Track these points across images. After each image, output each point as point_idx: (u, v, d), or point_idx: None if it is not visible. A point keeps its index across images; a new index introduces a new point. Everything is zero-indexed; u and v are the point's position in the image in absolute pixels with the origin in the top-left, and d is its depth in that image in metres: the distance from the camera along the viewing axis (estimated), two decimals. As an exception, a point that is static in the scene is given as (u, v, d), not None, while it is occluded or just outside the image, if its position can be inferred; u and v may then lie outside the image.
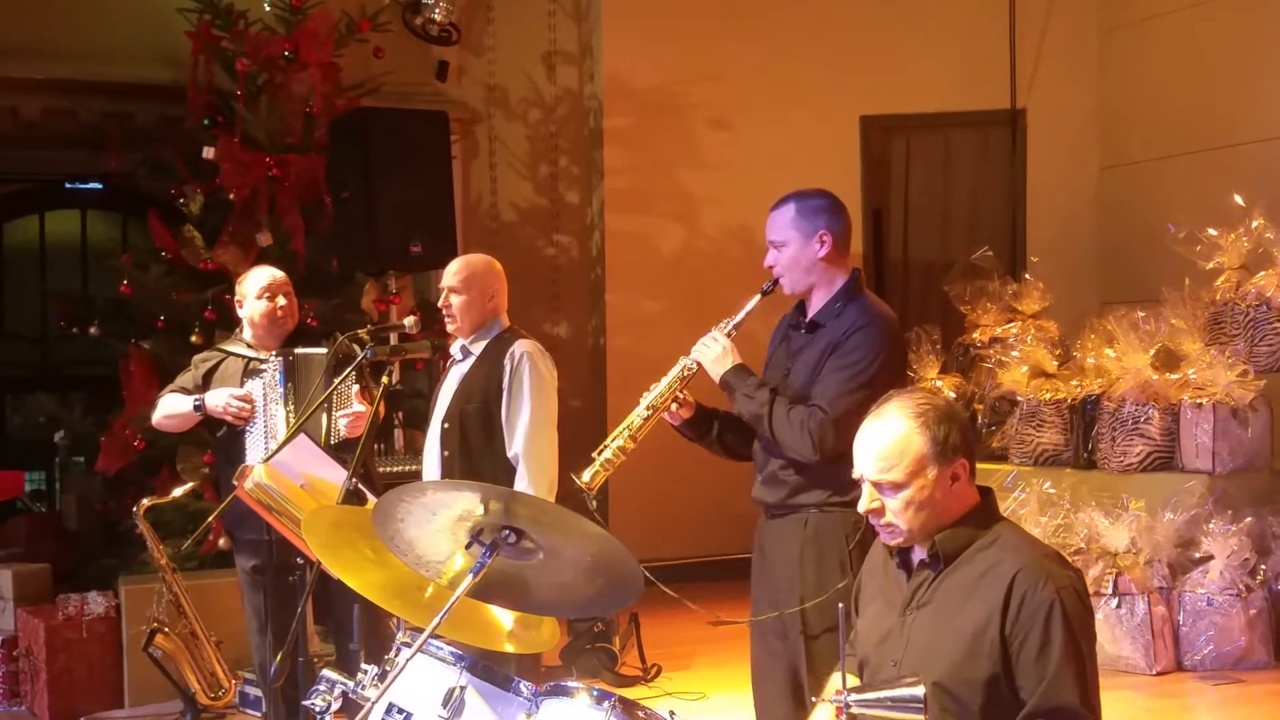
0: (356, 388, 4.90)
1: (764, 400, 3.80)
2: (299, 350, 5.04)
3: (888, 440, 2.76)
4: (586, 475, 3.86)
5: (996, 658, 2.67)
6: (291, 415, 4.87)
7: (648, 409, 3.88)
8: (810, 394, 3.77)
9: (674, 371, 3.93)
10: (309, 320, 6.65)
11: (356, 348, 4.75)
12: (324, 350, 4.96)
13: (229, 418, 4.99)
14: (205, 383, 5.16)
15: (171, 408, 5.15)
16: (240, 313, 5.24)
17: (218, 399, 5.00)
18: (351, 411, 4.86)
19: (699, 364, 3.92)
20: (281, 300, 5.13)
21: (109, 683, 6.28)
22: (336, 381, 4.49)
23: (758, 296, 3.95)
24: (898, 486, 2.76)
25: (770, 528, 3.96)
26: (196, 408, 5.06)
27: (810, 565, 3.80)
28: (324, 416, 4.82)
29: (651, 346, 9.11)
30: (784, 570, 3.87)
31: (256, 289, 5.14)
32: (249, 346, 5.17)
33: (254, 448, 4.94)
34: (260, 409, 4.96)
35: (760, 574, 4.02)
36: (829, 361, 3.77)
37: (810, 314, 3.92)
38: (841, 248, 3.90)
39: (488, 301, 4.73)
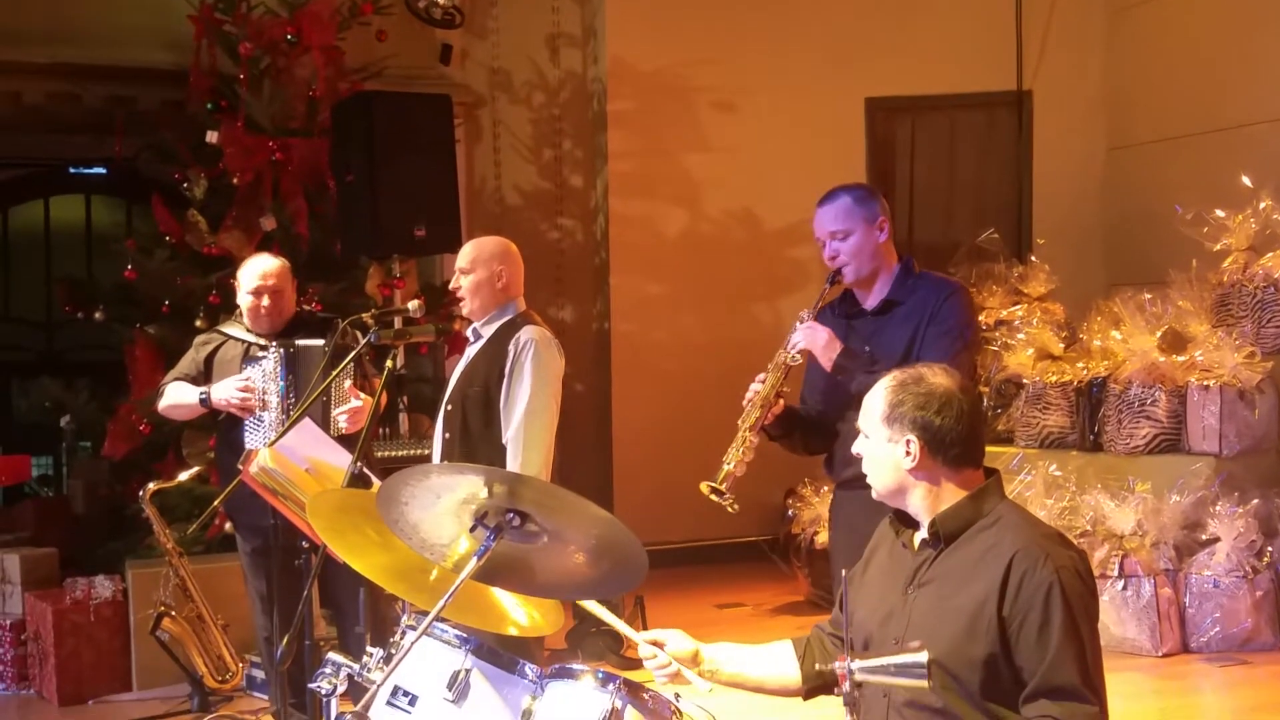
0: (349, 383, 4.89)
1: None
2: (299, 342, 5.02)
3: (870, 394, 2.92)
4: (719, 478, 3.89)
5: (995, 638, 2.68)
6: (291, 407, 4.87)
7: (760, 406, 3.96)
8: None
9: (776, 363, 4.01)
10: (314, 304, 6.66)
11: (359, 334, 4.75)
12: (322, 342, 4.96)
13: (235, 410, 4.99)
14: (206, 367, 5.18)
15: (177, 398, 5.15)
16: (237, 300, 5.26)
17: (222, 392, 5.00)
18: (349, 408, 4.85)
19: (807, 353, 4.00)
20: (267, 301, 5.10)
21: (117, 666, 6.29)
22: (335, 373, 4.49)
23: (827, 286, 4.11)
24: (865, 436, 2.90)
25: (857, 500, 3.84)
26: (202, 401, 5.06)
27: None
28: (322, 410, 4.83)
29: (656, 330, 9.13)
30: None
31: (247, 285, 5.14)
32: (248, 330, 5.18)
33: (252, 436, 4.95)
34: (269, 404, 4.97)
35: (847, 548, 3.92)
36: (928, 330, 3.90)
37: (879, 295, 4.04)
38: (892, 233, 4.07)
39: (496, 283, 4.68)
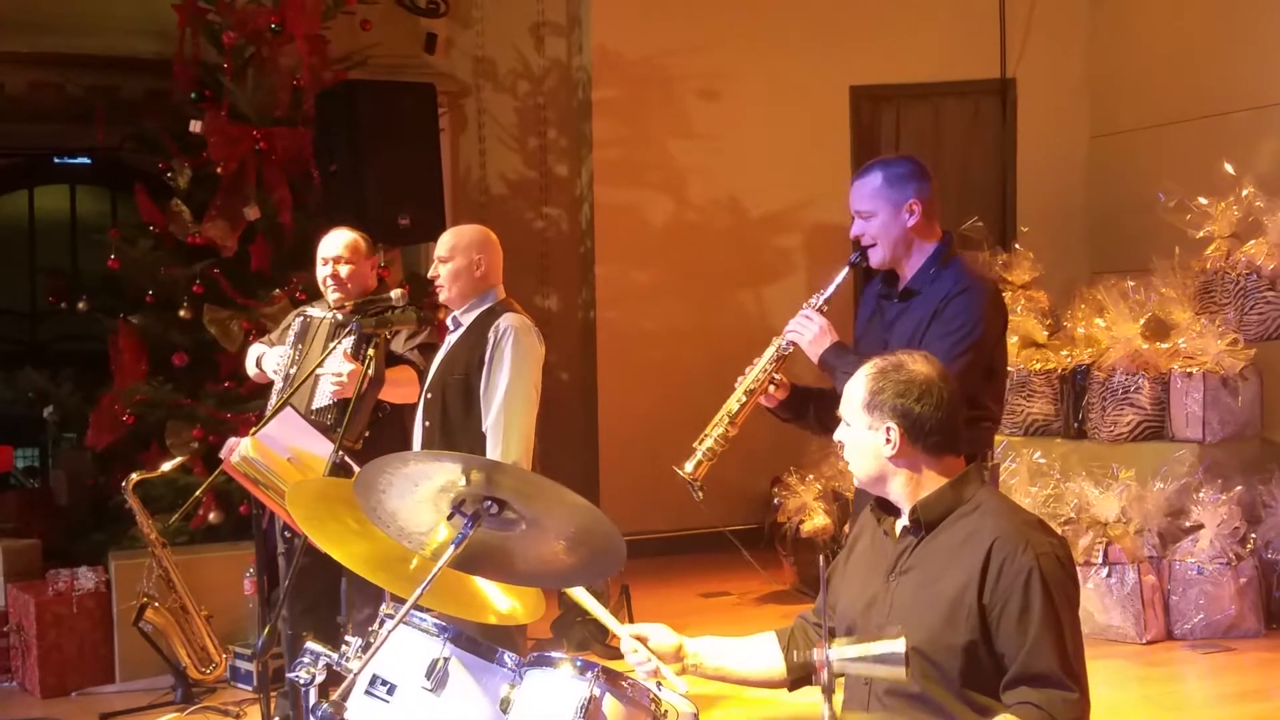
0: (343, 349, 4.87)
1: None
2: (311, 312, 5.11)
3: (850, 382, 2.92)
4: (689, 466, 3.79)
5: (975, 624, 2.68)
6: (292, 380, 4.93)
7: (745, 394, 3.81)
8: None
9: (768, 353, 3.86)
10: (297, 294, 6.66)
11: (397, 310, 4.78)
12: (329, 315, 5.00)
13: (272, 376, 5.14)
14: (279, 341, 5.32)
15: (249, 361, 5.42)
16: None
17: (269, 361, 5.18)
18: (334, 372, 4.80)
19: (795, 344, 3.84)
20: (343, 269, 5.14)
21: (100, 658, 6.27)
22: (325, 353, 4.48)
23: (845, 269, 3.90)
24: (847, 424, 2.91)
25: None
26: (257, 363, 5.28)
27: None
28: (314, 383, 4.87)
29: (641, 319, 9.12)
30: None
31: (321, 256, 5.20)
32: (327, 307, 5.22)
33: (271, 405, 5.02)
34: (280, 374, 5.06)
35: None
36: (931, 329, 3.73)
37: (903, 282, 3.88)
38: (930, 214, 3.86)
39: (475, 271, 4.66)
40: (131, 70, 8.12)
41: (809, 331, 3.84)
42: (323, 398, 4.87)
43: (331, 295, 5.16)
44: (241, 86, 7.20)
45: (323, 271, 5.17)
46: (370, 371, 4.15)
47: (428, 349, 5.03)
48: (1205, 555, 6.44)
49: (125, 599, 6.12)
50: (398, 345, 5.04)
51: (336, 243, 5.20)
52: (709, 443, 3.81)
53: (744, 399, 3.82)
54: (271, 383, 5.22)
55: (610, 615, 3.31)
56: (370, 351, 4.12)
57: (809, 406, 3.98)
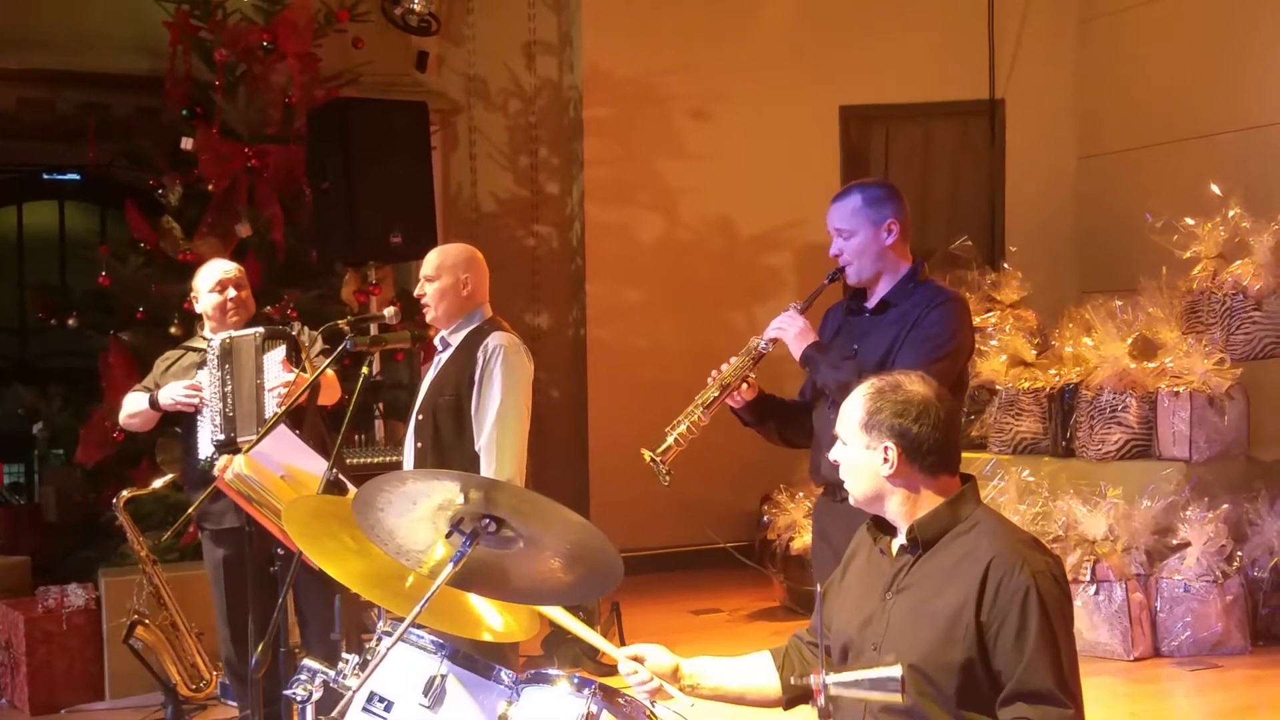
0: (282, 356, 4.92)
1: (851, 370, 3.82)
2: (233, 334, 5.05)
3: (847, 402, 2.92)
4: (660, 448, 3.89)
5: (972, 642, 2.70)
6: (230, 396, 4.90)
7: (720, 387, 3.95)
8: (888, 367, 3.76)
9: (746, 350, 3.99)
10: (289, 311, 6.65)
11: (295, 325, 4.81)
12: (254, 331, 4.99)
13: (180, 407, 5.04)
14: (162, 379, 5.23)
15: (132, 406, 5.24)
16: (196, 308, 5.30)
17: (169, 393, 5.07)
18: (281, 381, 4.86)
19: (775, 340, 3.99)
20: (232, 292, 5.15)
21: (89, 675, 6.26)
22: (314, 375, 4.50)
23: (825, 282, 4.05)
24: (843, 443, 2.90)
25: (839, 510, 3.87)
26: (152, 404, 5.13)
27: None
28: (257, 393, 4.88)
29: (632, 337, 9.15)
30: None
31: (209, 283, 5.18)
32: (206, 340, 5.20)
33: (205, 436, 5.00)
34: (209, 397, 4.99)
35: (827, 559, 3.87)
36: (910, 335, 3.86)
37: (879, 296, 4.01)
38: (906, 235, 4.01)
39: (462, 290, 4.66)
40: (123, 87, 8.12)
41: (793, 328, 4.00)
42: (272, 410, 4.87)
43: (231, 319, 5.15)
44: (233, 104, 7.21)
45: (216, 298, 5.15)
46: (327, 376, 4.17)
47: (327, 353, 5.08)
48: (1192, 573, 6.47)
49: (115, 616, 6.11)
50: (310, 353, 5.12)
51: (228, 266, 5.22)
52: (681, 428, 3.90)
53: (718, 393, 3.95)
54: (170, 419, 5.21)
55: (600, 638, 3.32)
56: (363, 371, 4.13)
57: (771, 414, 4.14)
